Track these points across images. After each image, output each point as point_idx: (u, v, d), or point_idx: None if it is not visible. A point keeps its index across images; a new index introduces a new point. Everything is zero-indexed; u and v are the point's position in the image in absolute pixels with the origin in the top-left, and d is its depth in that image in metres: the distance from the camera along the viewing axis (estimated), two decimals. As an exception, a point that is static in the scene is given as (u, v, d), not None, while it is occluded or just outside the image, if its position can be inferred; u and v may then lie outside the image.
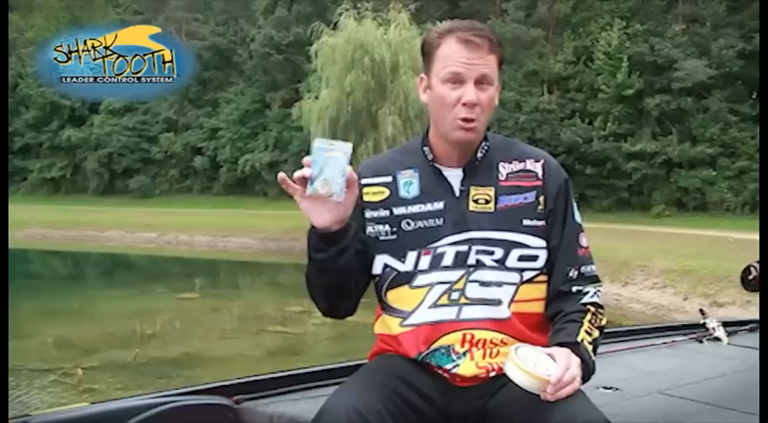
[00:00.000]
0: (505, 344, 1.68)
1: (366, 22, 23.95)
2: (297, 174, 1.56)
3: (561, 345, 1.59)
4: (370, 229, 1.74)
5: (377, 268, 1.74)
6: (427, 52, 1.74)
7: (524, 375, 1.48)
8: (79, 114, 40.11)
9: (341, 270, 1.64)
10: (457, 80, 1.68)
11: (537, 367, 1.49)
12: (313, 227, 1.61)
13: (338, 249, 1.62)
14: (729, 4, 29.13)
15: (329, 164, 1.53)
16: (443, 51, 1.70)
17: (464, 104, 1.67)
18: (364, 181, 1.75)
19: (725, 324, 3.05)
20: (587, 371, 1.59)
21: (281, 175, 1.58)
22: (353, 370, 1.78)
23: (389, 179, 1.76)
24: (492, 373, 1.69)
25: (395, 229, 1.73)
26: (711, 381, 2.45)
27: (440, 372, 1.71)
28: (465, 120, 1.68)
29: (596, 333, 1.68)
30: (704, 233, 20.10)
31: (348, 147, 1.55)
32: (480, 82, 1.68)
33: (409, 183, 1.75)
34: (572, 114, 30.53)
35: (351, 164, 1.55)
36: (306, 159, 1.54)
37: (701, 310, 3.23)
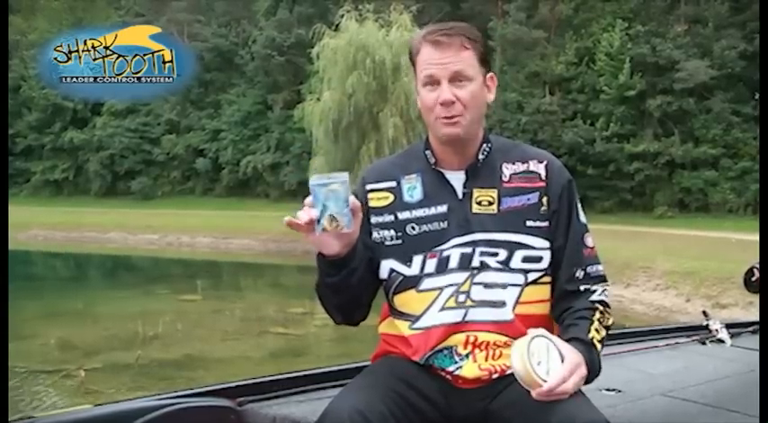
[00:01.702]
0: (508, 346, 1.68)
1: (368, 24, 23.97)
2: (302, 218, 1.56)
3: (573, 340, 1.59)
4: (375, 235, 1.75)
5: (383, 273, 1.75)
6: (412, 60, 1.77)
7: (523, 369, 1.48)
8: (81, 116, 40.17)
9: (354, 287, 1.67)
10: (433, 82, 1.70)
11: (539, 367, 1.49)
12: (321, 254, 1.63)
13: (349, 271, 1.65)
14: (732, 4, 29.11)
15: (330, 199, 1.54)
16: (420, 56, 1.73)
17: (441, 104, 1.69)
18: (369, 186, 1.77)
19: (728, 326, 3.04)
20: (593, 372, 1.59)
21: (287, 219, 1.58)
22: (356, 372, 1.79)
23: (393, 184, 1.77)
24: (494, 375, 1.69)
25: (400, 234, 1.74)
26: (714, 382, 2.44)
27: (442, 373, 1.71)
28: (445, 117, 1.70)
29: (603, 332, 1.68)
30: (706, 234, 20.09)
31: (345, 177, 1.55)
32: (456, 79, 1.69)
33: (413, 187, 1.76)
34: (574, 115, 30.53)
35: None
36: (307, 200, 1.55)
37: (704, 312, 3.22)
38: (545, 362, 1.50)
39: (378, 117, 23.73)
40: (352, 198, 1.56)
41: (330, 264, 1.63)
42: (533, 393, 1.48)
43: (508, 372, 1.68)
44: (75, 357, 9.86)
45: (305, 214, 1.55)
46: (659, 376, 2.48)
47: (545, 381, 1.47)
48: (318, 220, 1.54)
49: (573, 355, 1.53)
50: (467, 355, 1.69)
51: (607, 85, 29.37)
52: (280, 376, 2.17)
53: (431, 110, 1.71)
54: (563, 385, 1.48)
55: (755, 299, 2.49)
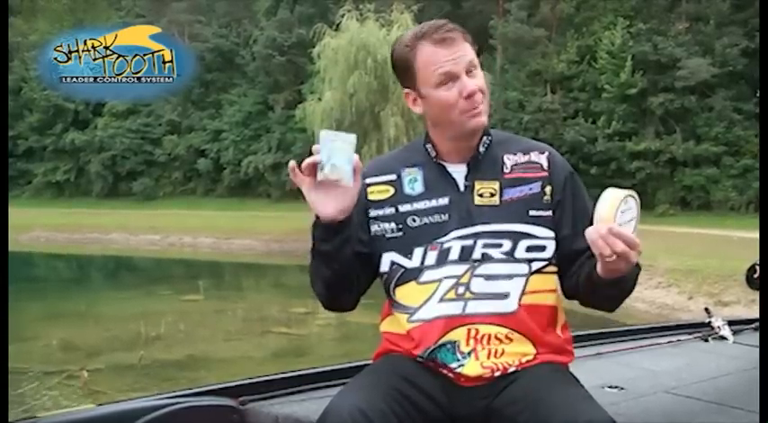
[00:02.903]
0: (510, 339, 1.68)
1: (368, 23, 23.99)
2: (306, 161, 1.58)
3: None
4: (375, 228, 1.75)
5: (384, 266, 1.75)
6: (403, 67, 1.73)
7: (611, 203, 1.52)
8: (83, 117, 40.22)
9: (344, 260, 1.67)
10: (450, 79, 1.68)
11: (622, 214, 1.52)
12: (317, 219, 1.64)
13: (342, 239, 1.64)
14: (733, 2, 29.09)
15: (336, 151, 1.58)
16: (423, 59, 1.69)
17: (467, 97, 1.68)
18: (369, 180, 1.76)
19: (730, 323, 3.04)
20: (634, 278, 1.65)
21: (292, 163, 1.61)
22: (358, 370, 1.78)
23: (394, 177, 1.77)
24: (497, 373, 1.69)
25: (401, 226, 1.74)
26: (717, 380, 2.44)
27: (444, 371, 1.71)
28: (471, 109, 1.69)
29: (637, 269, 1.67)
30: (708, 232, 20.10)
31: (353, 137, 1.59)
32: (469, 70, 1.69)
33: (414, 179, 1.76)
34: (575, 114, 30.53)
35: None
36: (315, 147, 1.58)
37: (706, 309, 3.22)
38: (628, 215, 1.53)
39: (379, 116, 23.75)
40: (355, 157, 1.58)
41: (325, 228, 1.63)
42: (600, 229, 1.49)
43: (510, 369, 1.68)
44: (77, 358, 9.87)
45: (311, 159, 1.58)
46: (662, 373, 2.48)
47: (618, 224, 1.50)
48: (322, 167, 1.57)
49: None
50: (469, 353, 1.69)
51: (608, 83, 29.37)
52: (282, 375, 2.17)
53: (453, 107, 1.69)
54: (620, 243, 1.48)
55: (758, 296, 2.49)
